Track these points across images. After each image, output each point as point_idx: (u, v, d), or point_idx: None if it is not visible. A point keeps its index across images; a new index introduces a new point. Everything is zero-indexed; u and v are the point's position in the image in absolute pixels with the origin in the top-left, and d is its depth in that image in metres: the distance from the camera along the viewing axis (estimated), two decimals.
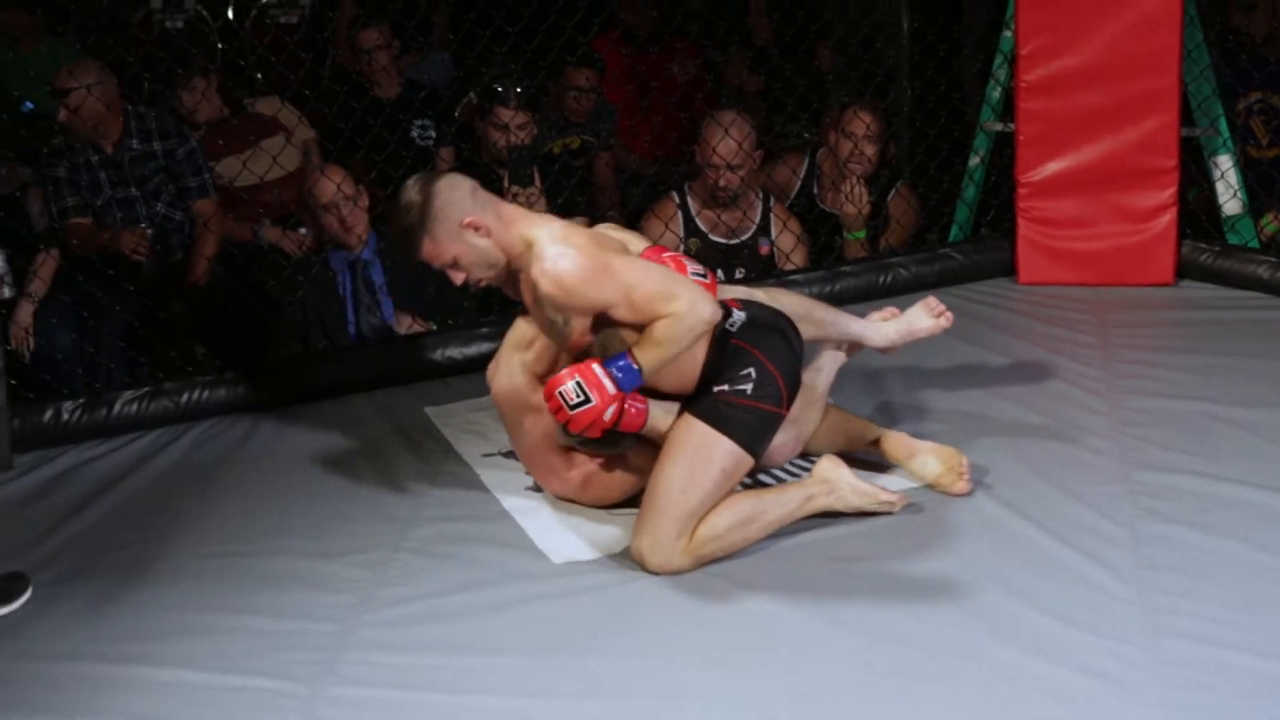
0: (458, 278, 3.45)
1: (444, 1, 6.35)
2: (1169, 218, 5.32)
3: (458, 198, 3.37)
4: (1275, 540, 3.40)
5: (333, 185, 4.99)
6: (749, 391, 3.40)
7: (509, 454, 4.05)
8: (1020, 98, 5.40)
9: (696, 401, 3.42)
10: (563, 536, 3.62)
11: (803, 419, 3.75)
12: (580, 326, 3.39)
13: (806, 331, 3.72)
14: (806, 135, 6.43)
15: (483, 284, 3.51)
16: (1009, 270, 5.50)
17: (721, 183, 5.37)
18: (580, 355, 3.44)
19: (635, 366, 3.32)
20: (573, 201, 5.43)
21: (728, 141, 5.33)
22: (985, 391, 4.34)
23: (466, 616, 3.27)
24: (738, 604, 3.26)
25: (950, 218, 5.88)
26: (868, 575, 3.36)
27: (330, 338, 5.05)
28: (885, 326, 3.95)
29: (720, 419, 3.39)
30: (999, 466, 3.87)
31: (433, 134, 6.07)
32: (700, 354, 3.41)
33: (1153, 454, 3.89)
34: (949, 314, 3.98)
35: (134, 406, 4.45)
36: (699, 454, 3.37)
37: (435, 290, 5.09)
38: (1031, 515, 3.59)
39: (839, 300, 5.09)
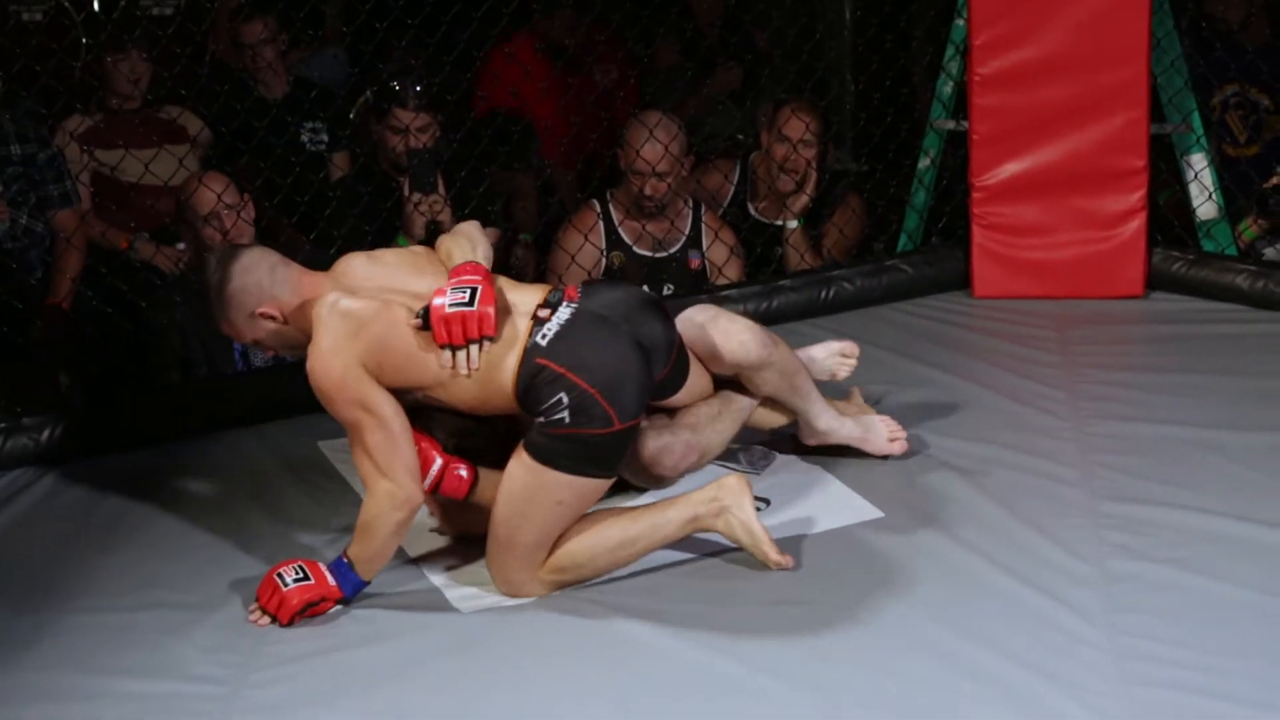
0: (267, 352, 3.74)
1: None
2: (1138, 223, 5.38)
3: (251, 283, 3.54)
4: (1255, 576, 3.45)
5: (213, 194, 4.96)
6: (566, 420, 3.42)
7: None
8: (974, 93, 5.45)
9: (528, 432, 3.50)
10: (471, 585, 3.61)
11: (705, 428, 3.83)
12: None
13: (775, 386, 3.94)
14: (740, 137, 6.47)
15: (290, 358, 3.76)
16: (963, 283, 5.55)
17: (647, 190, 5.40)
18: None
19: (346, 561, 3.48)
20: (483, 210, 5.43)
21: (654, 145, 5.35)
22: (938, 416, 4.37)
23: (366, 673, 3.26)
24: (669, 654, 3.26)
25: (898, 226, 5.92)
26: (810, 621, 3.37)
27: (213, 364, 5.02)
28: (843, 424, 4.11)
29: (543, 452, 3.45)
30: (954, 498, 3.90)
31: (325, 138, 6.06)
32: (507, 378, 3.48)
33: (1122, 483, 3.94)
34: (904, 443, 4.13)
35: None
36: (529, 490, 3.46)
37: None
38: (990, 552, 3.62)
39: (777, 318, 5.13)
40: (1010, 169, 5.45)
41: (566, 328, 3.49)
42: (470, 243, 3.64)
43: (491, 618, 3.47)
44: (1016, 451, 4.16)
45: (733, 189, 5.89)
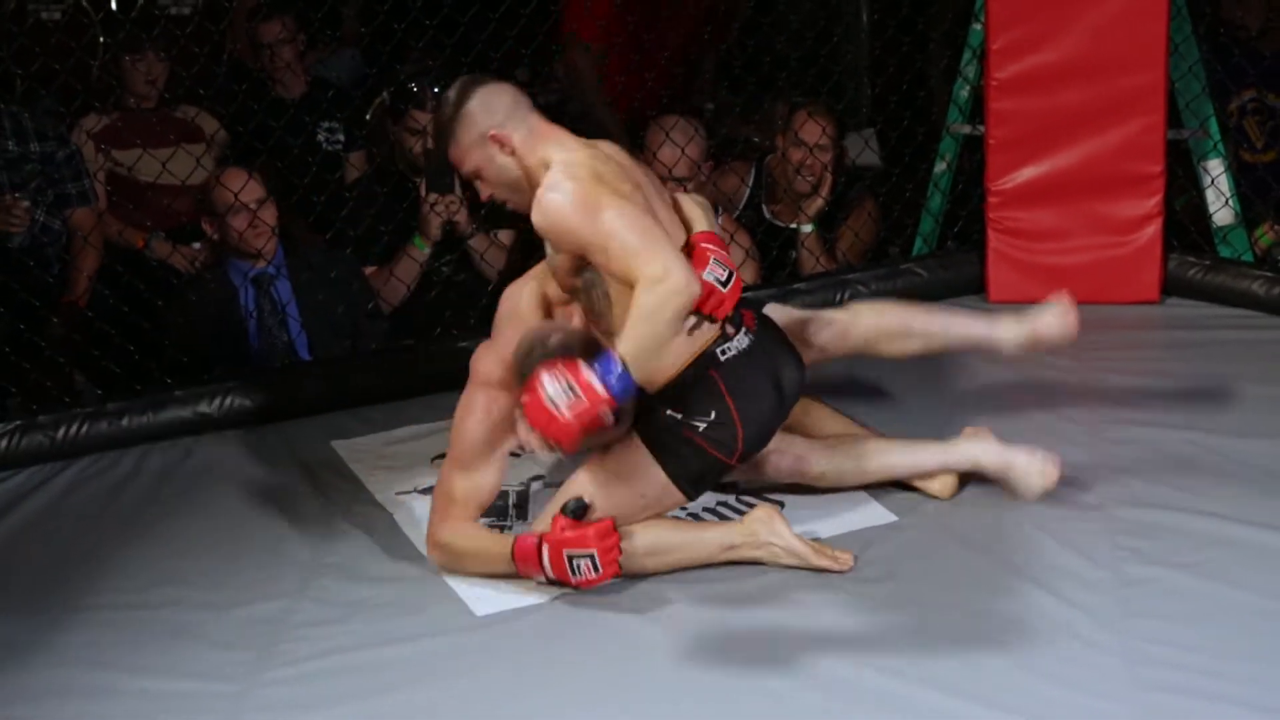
0: (483, 192, 3.59)
1: None
2: (1154, 229, 5.37)
3: (493, 106, 3.49)
4: (1269, 583, 3.44)
5: (238, 188, 4.98)
6: (700, 429, 3.48)
7: (426, 491, 4.06)
8: (991, 97, 5.44)
9: (648, 416, 3.51)
10: (486, 586, 3.61)
11: (823, 457, 3.85)
12: (565, 264, 3.49)
13: (908, 347, 3.92)
14: (755, 140, 6.47)
15: (508, 205, 3.63)
16: (979, 287, 5.54)
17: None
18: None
19: (616, 360, 3.28)
20: (501, 209, 5.43)
21: (671, 148, 5.35)
22: (951, 421, 4.36)
23: (379, 675, 3.26)
24: (681, 657, 3.27)
25: (914, 230, 5.91)
26: (819, 623, 3.38)
27: (229, 363, 5.03)
28: (1012, 327, 4.05)
29: (662, 445, 3.50)
30: (968, 503, 3.90)
31: (341, 138, 6.07)
32: (674, 360, 3.48)
33: (1136, 489, 3.93)
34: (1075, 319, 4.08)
35: (3, 443, 4.42)
36: (628, 469, 3.51)
37: (344, 311, 5.08)
38: (1002, 556, 3.62)
39: None
40: (1026, 174, 5.44)
41: (744, 356, 3.55)
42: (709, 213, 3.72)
43: (506, 620, 3.47)
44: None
45: (748, 191, 5.89)
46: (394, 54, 5.92)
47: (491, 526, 3.90)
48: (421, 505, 4.01)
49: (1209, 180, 5.58)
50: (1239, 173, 5.76)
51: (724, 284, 3.48)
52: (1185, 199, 5.72)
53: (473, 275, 5.39)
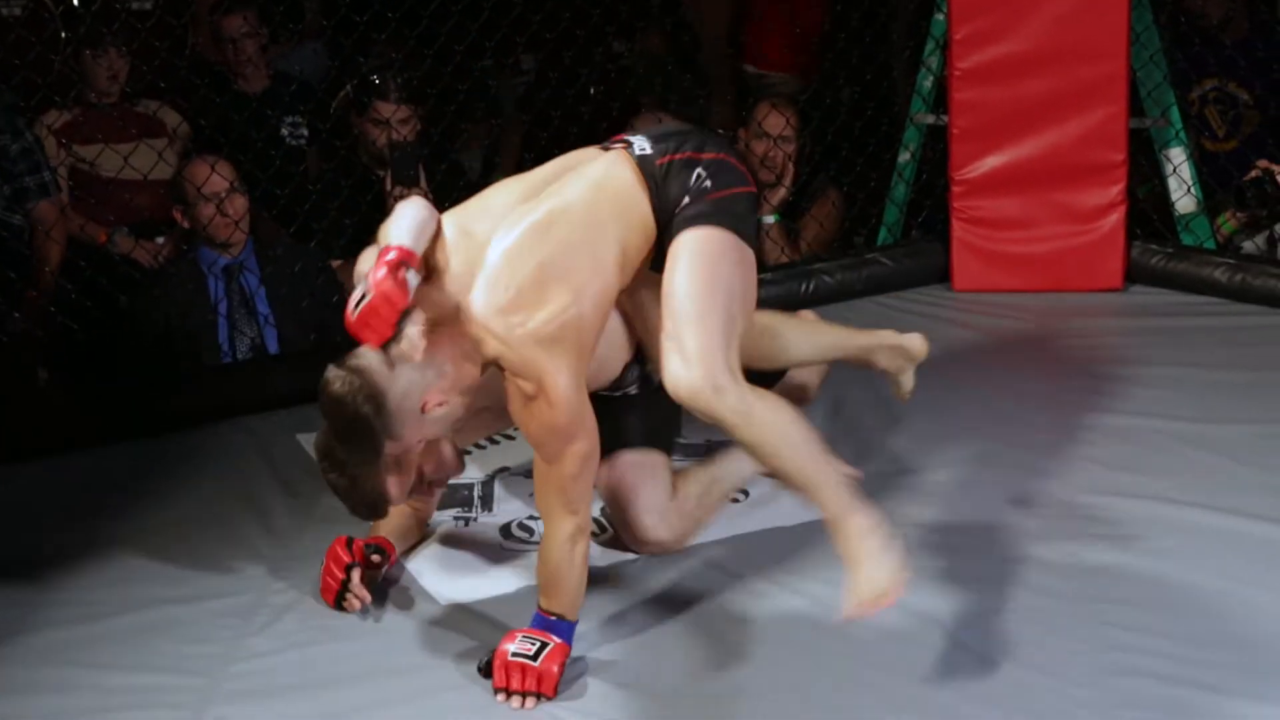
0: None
1: None
2: (1117, 217, 5.40)
3: (404, 390, 3.00)
4: (1234, 567, 3.45)
5: (209, 176, 4.98)
6: (709, 185, 3.22)
7: None
8: (954, 87, 5.46)
9: (673, 225, 3.21)
10: (451, 576, 3.61)
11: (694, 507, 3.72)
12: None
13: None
14: (720, 132, 6.46)
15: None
16: (943, 276, 5.55)
17: None
18: None
19: (553, 618, 3.12)
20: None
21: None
22: (915, 410, 4.36)
23: (345, 666, 3.25)
24: (649, 643, 3.26)
25: (878, 219, 5.92)
26: (787, 608, 3.38)
27: (199, 356, 5.00)
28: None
29: (696, 217, 3.19)
30: (933, 492, 3.90)
31: (305, 132, 6.05)
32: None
33: (1101, 475, 3.94)
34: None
35: None
36: (702, 254, 3.16)
37: (310, 304, 5.06)
38: (968, 544, 3.62)
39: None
40: (990, 163, 5.46)
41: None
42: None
43: (472, 608, 3.46)
44: (995, 443, 4.16)
45: None
46: (357, 47, 5.89)
47: (456, 517, 3.90)
48: None
49: (1171, 168, 5.60)
50: (1201, 161, 5.78)
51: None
52: (1148, 187, 5.75)
53: None
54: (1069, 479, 3.94)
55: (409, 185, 5.14)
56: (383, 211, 5.17)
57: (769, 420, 3.08)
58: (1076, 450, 4.10)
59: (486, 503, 4.02)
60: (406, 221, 3.04)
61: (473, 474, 4.15)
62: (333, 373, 3.03)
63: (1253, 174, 5.34)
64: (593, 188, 3.22)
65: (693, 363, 3.03)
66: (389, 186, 5.20)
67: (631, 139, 3.34)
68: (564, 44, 5.87)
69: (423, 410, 3.00)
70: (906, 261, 5.60)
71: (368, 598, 3.42)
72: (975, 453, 4.11)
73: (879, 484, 3.89)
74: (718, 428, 3.08)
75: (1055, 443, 4.15)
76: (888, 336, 3.94)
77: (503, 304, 3.00)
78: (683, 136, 3.33)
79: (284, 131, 6.02)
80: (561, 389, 2.99)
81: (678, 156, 3.25)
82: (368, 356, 3.00)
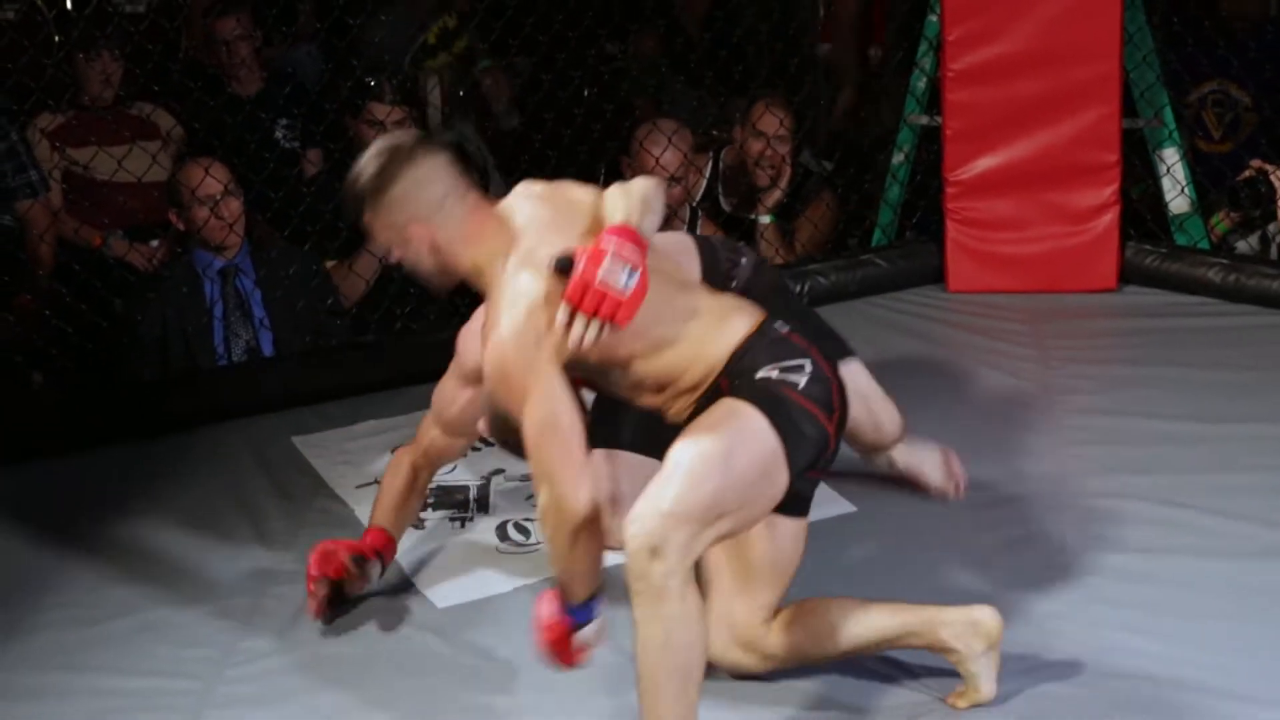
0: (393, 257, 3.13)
1: None
2: (1111, 217, 5.40)
3: (421, 195, 2.95)
4: (1228, 569, 3.47)
5: (204, 173, 4.98)
6: (800, 386, 2.89)
7: None
8: (947, 88, 5.46)
9: (734, 388, 2.92)
10: (447, 578, 3.62)
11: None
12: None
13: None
14: (715, 132, 6.47)
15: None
16: (937, 277, 5.55)
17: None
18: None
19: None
20: None
21: (673, 152, 5.42)
22: (912, 410, 4.36)
23: (341, 668, 3.26)
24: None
25: (873, 220, 5.92)
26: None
27: (194, 358, 5.00)
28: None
29: (762, 398, 2.88)
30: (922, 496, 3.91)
31: (299, 134, 6.04)
32: (735, 335, 2.95)
33: (1097, 475, 3.95)
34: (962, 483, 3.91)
35: None
36: (733, 426, 2.86)
37: (305, 306, 5.06)
38: (962, 544, 3.63)
39: None
40: (983, 164, 5.46)
41: (798, 330, 3.03)
42: (640, 204, 3.00)
43: (468, 612, 3.47)
44: (992, 443, 4.17)
45: (705, 183, 5.88)
46: (351, 49, 5.89)
47: (452, 519, 3.91)
48: None
49: (1165, 169, 5.61)
50: (1196, 162, 5.79)
51: (623, 286, 2.88)
52: (1142, 188, 5.75)
53: None
54: (1063, 479, 3.95)
55: None
56: None
57: (670, 628, 2.76)
58: (1069, 450, 4.11)
59: (482, 505, 4.03)
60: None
61: (467, 476, 4.16)
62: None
63: (1246, 174, 5.35)
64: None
65: (658, 513, 2.76)
66: None
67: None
68: (557, 46, 5.87)
69: (406, 225, 2.96)
70: (901, 263, 5.60)
71: (317, 615, 3.41)
72: (969, 451, 4.10)
73: (873, 483, 3.91)
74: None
75: (1050, 443, 4.16)
76: (951, 613, 3.09)
77: (530, 256, 2.92)
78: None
79: (278, 134, 6.00)
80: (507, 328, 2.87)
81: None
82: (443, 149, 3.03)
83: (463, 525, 3.91)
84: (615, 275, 2.83)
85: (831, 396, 2.92)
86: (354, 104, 5.50)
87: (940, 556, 3.61)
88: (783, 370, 2.89)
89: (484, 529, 3.89)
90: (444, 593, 3.55)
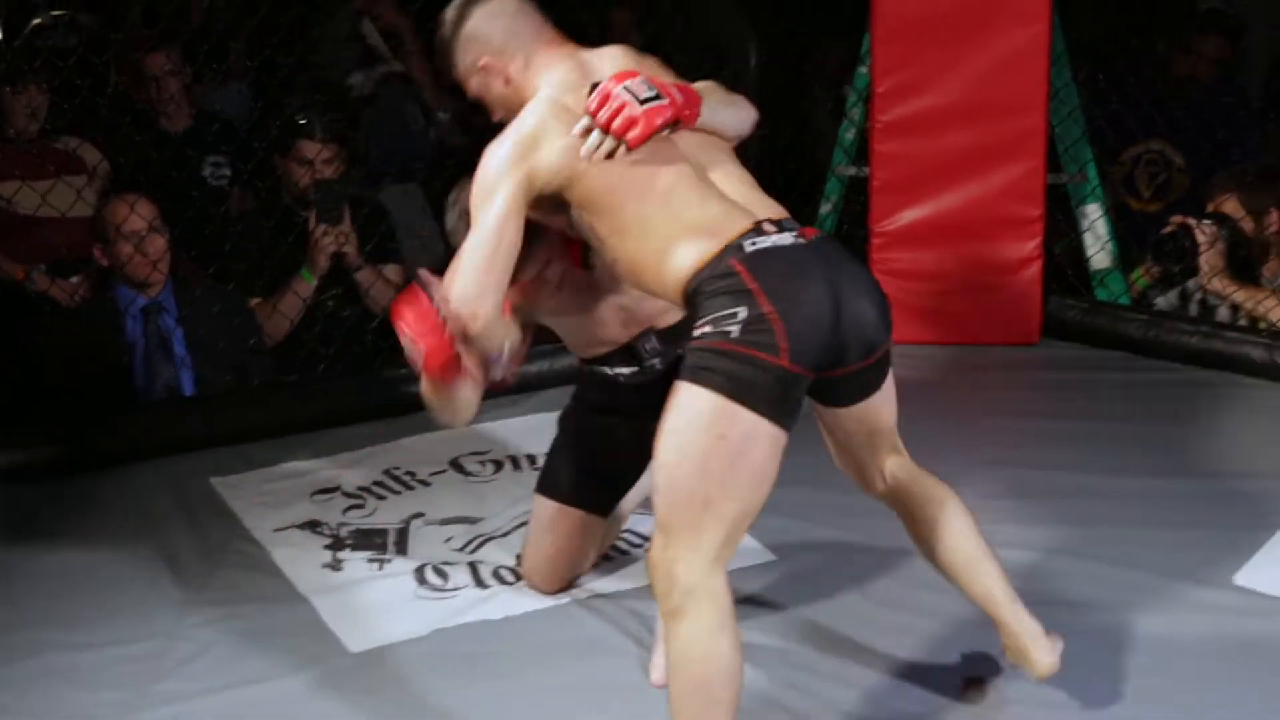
0: (494, 114, 3.27)
1: (242, 25, 6.31)
2: (1034, 272, 5.45)
3: (490, 29, 3.18)
4: (1137, 621, 3.50)
5: (130, 214, 4.96)
6: (733, 334, 2.81)
7: (305, 526, 4.10)
8: (875, 139, 5.50)
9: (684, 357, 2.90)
10: (362, 621, 3.61)
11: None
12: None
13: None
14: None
15: None
16: None
17: None
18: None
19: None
20: (388, 244, 5.44)
21: None
22: (822, 459, 4.37)
23: (256, 712, 3.24)
24: (565, 693, 3.26)
25: None
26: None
27: (110, 397, 4.97)
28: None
29: (699, 372, 2.82)
30: (843, 541, 3.93)
31: (227, 171, 6.03)
32: (687, 261, 2.92)
33: (1015, 531, 3.96)
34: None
35: None
36: (686, 417, 2.83)
37: (228, 345, 5.04)
38: (877, 595, 3.65)
39: None
40: (909, 216, 5.50)
41: (781, 251, 2.91)
42: (722, 95, 3.18)
43: (384, 655, 3.45)
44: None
45: None
46: (281, 87, 5.89)
47: (370, 561, 3.90)
48: (299, 536, 4.03)
49: (1087, 224, 5.66)
50: (1123, 218, 5.85)
51: (641, 101, 2.95)
52: (1064, 242, 5.80)
53: (358, 311, 5.37)
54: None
55: (334, 223, 5.15)
56: (304, 251, 5.19)
57: (687, 643, 2.78)
58: (991, 503, 4.10)
59: (401, 548, 4.02)
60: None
61: (387, 519, 4.16)
62: None
63: (1169, 229, 5.41)
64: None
65: (662, 540, 2.82)
66: (313, 224, 5.19)
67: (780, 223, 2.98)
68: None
69: (479, 60, 3.18)
70: None
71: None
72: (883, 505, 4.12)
73: (776, 535, 3.92)
74: None
75: (968, 495, 4.13)
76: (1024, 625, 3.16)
77: (555, 93, 3.08)
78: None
79: (206, 171, 5.99)
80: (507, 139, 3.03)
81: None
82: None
83: (381, 568, 3.90)
84: (638, 93, 2.95)
85: (775, 337, 2.80)
86: (284, 143, 5.49)
87: (855, 603, 3.63)
88: (715, 323, 2.83)
89: (402, 572, 3.88)
90: (359, 637, 3.54)
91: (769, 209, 3.01)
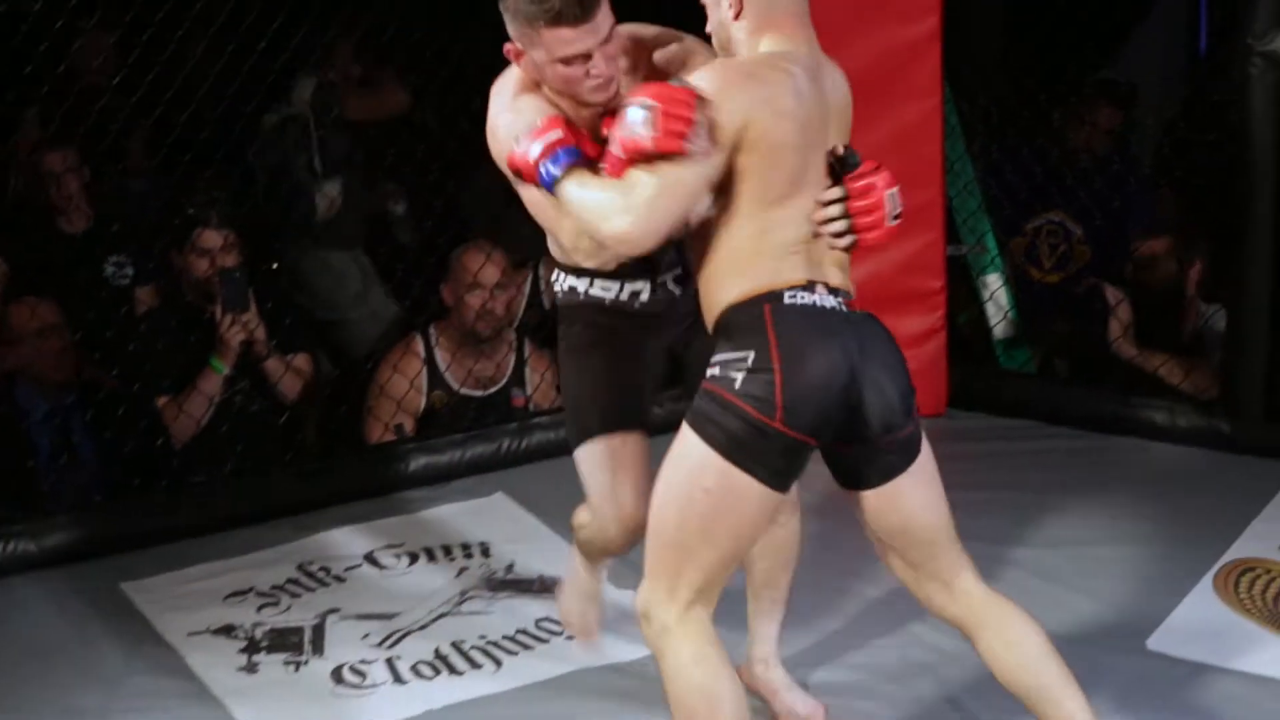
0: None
1: (139, 123, 6.30)
2: (938, 343, 5.49)
3: None
4: None
5: (32, 313, 4.95)
6: (736, 385, 2.88)
7: (219, 630, 4.09)
8: None
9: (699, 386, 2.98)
10: None
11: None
12: None
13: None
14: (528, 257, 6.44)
15: None
16: None
17: (486, 308, 5.29)
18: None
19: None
20: (296, 330, 5.44)
21: (490, 266, 5.31)
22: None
23: None
24: None
25: None
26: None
27: (14, 502, 4.93)
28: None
29: (698, 415, 2.92)
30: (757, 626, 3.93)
31: (130, 271, 5.99)
32: (731, 292, 2.98)
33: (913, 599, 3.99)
34: None
35: None
36: (677, 458, 2.95)
37: (134, 447, 5.01)
38: (789, 665, 3.66)
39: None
40: None
41: (813, 311, 2.98)
42: None
43: None
44: (818, 568, 4.19)
45: (524, 302, 5.78)
46: (181, 185, 5.88)
47: (286, 663, 3.88)
48: (213, 640, 4.01)
49: (989, 294, 5.73)
50: (1026, 289, 5.93)
51: (895, 216, 3.18)
52: (967, 314, 5.86)
53: (265, 406, 5.35)
54: (891, 606, 3.98)
55: (241, 310, 5.14)
56: (209, 345, 5.17)
57: (671, 678, 2.94)
58: (884, 576, 4.13)
59: (317, 646, 4.01)
60: None
61: (302, 617, 4.14)
62: None
63: (1078, 293, 5.46)
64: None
65: (647, 582, 2.98)
66: (220, 313, 5.17)
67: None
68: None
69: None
70: None
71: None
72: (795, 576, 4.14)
73: None
74: None
75: (878, 570, 4.20)
76: None
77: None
78: None
79: (108, 271, 5.96)
80: None
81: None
82: None
83: (297, 669, 3.89)
84: (894, 206, 3.15)
85: (774, 394, 2.87)
86: (181, 238, 5.47)
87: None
88: (724, 365, 2.90)
89: (319, 672, 3.87)
90: None
91: (834, 274, 3.05)
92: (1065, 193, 6.12)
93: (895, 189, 3.10)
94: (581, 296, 3.42)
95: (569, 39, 3.09)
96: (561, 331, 3.51)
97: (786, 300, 2.94)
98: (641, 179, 2.85)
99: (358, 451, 5.27)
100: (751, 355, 2.89)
